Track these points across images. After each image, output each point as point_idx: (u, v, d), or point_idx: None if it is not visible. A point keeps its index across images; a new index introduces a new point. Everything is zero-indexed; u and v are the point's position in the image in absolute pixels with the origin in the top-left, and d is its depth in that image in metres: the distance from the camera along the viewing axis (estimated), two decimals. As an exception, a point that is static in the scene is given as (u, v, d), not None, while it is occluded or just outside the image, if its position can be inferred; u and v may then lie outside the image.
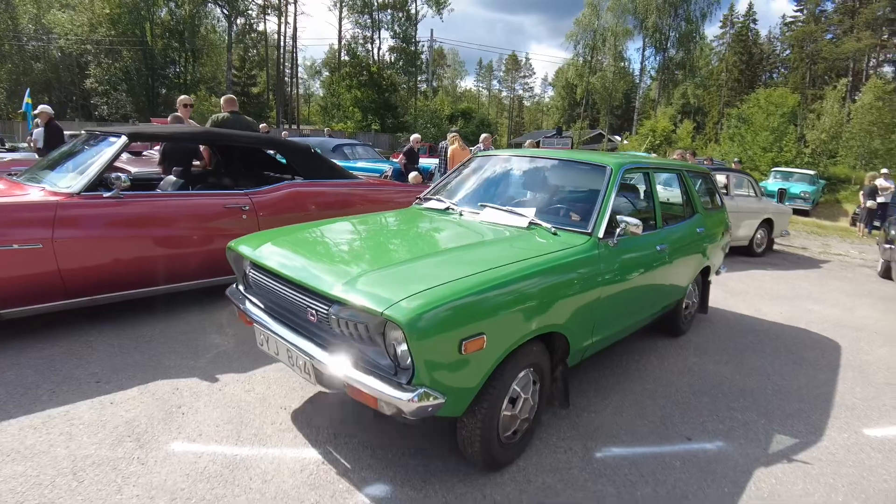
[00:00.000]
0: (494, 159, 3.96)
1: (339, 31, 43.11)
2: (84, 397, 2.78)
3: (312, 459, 2.41)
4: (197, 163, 5.75)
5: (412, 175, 8.99)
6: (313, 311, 2.22)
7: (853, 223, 16.99)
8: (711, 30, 47.23)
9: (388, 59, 41.91)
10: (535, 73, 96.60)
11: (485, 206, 3.27)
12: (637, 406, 3.20)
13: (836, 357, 4.39)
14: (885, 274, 8.21)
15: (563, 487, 2.35)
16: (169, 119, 5.96)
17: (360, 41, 42.48)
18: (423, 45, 42.85)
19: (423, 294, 1.94)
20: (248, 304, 2.68)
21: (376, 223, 3.26)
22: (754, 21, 50.34)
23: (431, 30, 55.12)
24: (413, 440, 2.61)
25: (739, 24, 49.90)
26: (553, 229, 2.93)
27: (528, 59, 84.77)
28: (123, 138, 3.73)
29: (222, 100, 6.30)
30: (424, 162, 13.39)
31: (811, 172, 19.88)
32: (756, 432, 3.00)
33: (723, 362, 4.03)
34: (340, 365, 2.05)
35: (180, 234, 3.87)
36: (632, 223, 2.88)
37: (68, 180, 3.58)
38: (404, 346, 1.89)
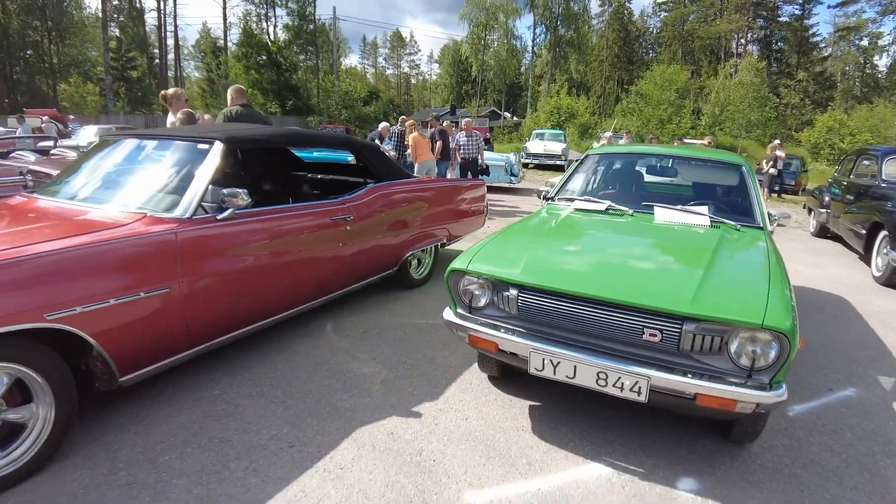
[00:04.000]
0: (619, 157, 3.96)
1: (224, 9, 40.12)
2: (299, 469, 2.31)
3: (609, 473, 2.39)
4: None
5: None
6: (654, 331, 2.17)
7: (755, 187, 18.96)
8: (591, 7, 49.63)
9: (287, 38, 39.44)
10: (420, 50, 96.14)
11: (652, 206, 3.27)
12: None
13: (852, 309, 5.01)
14: (819, 233, 9.61)
15: (799, 446, 2.67)
16: (180, 117, 5.20)
17: (254, 18, 39.70)
18: (322, 23, 40.96)
19: (775, 303, 2.10)
20: (492, 330, 2.45)
21: (577, 228, 3.21)
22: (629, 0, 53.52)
23: (334, 7, 52.61)
24: (650, 428, 2.75)
25: (616, 2, 52.74)
26: (738, 226, 3.10)
27: (412, 36, 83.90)
28: (219, 144, 3.11)
29: (231, 91, 5.61)
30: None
31: (705, 142, 21.68)
32: (864, 377, 3.50)
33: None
34: (683, 378, 2.10)
35: (299, 253, 3.41)
36: (783, 216, 3.25)
37: (160, 202, 2.91)
38: (759, 350, 2.07)
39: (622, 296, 2.19)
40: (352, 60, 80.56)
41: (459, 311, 2.63)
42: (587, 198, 3.52)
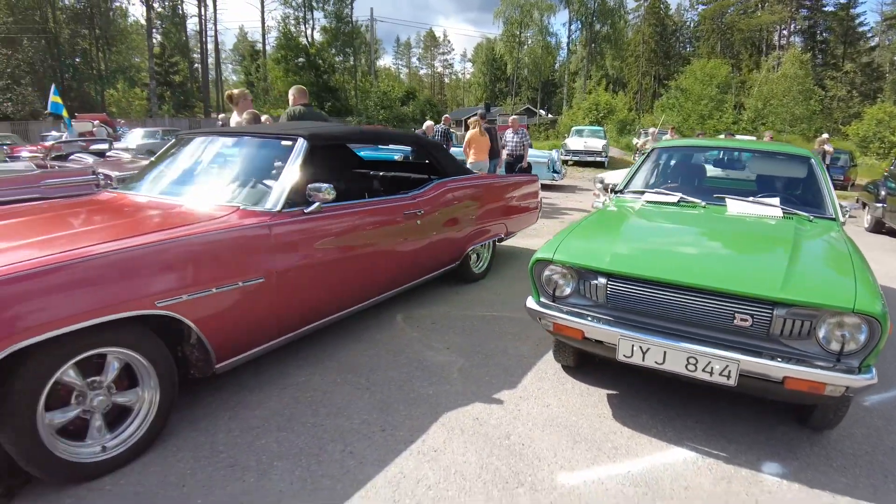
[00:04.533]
0: (686, 151, 4.01)
1: (262, 13, 41.00)
2: (394, 452, 2.41)
3: (694, 457, 2.46)
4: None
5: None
6: (745, 316, 2.23)
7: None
8: (627, 1, 49.00)
9: (324, 40, 40.05)
10: (453, 49, 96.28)
11: (724, 198, 3.30)
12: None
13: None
14: (874, 228, 9.51)
15: (878, 434, 2.70)
16: (246, 118, 5.40)
17: (292, 21, 40.42)
18: (360, 24, 41.54)
19: (863, 289, 2.15)
20: (578, 318, 2.52)
21: (654, 219, 3.26)
22: (665, -6, 52.58)
23: (371, 8, 53.14)
24: (726, 416, 2.82)
25: (652, -3, 51.91)
26: (810, 217, 3.13)
27: (446, 35, 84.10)
28: (303, 141, 3.23)
29: (293, 91, 5.77)
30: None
31: (753, 139, 21.31)
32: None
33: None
34: (773, 362, 2.17)
35: (376, 246, 3.55)
36: (854, 206, 3.35)
37: (250, 196, 3.04)
38: (848, 334, 2.12)
39: (715, 282, 2.25)
40: (385, 61, 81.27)
41: (542, 300, 2.70)
42: (658, 190, 3.56)
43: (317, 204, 3.05)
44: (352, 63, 41.69)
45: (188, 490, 2.14)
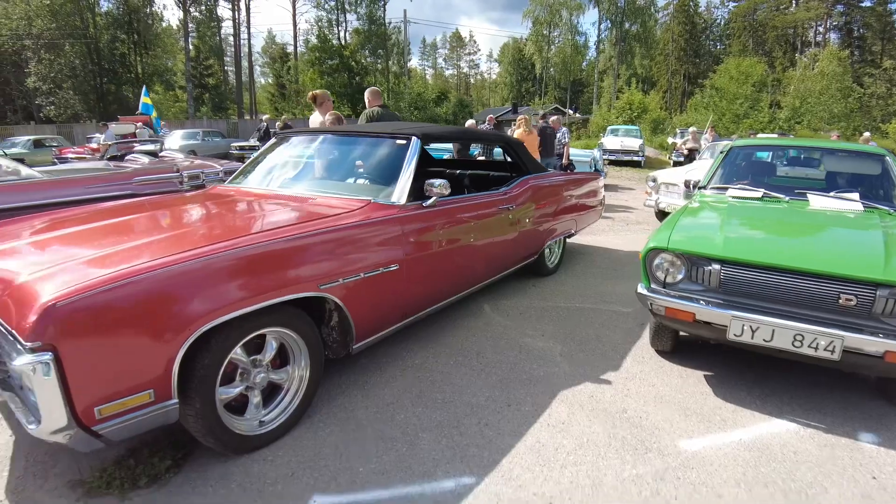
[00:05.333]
0: (762, 149, 4.25)
1: (294, 16, 41.79)
2: (525, 424, 2.67)
3: (796, 427, 2.71)
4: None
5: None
6: (850, 297, 2.48)
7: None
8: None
9: (355, 42, 40.68)
10: (479, 50, 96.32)
11: (805, 193, 3.53)
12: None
13: None
14: None
15: None
16: (329, 119, 5.73)
17: (325, 24, 41.14)
18: (392, 26, 42.11)
19: None
20: (690, 302, 2.79)
21: (746, 212, 3.47)
22: (694, -9, 52.17)
23: (405, 10, 53.56)
24: (816, 392, 3.07)
25: (682, -5, 51.51)
26: (890, 210, 3.41)
27: (472, 36, 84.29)
28: (416, 140, 3.49)
29: (369, 93, 6.07)
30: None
31: (792, 136, 21.15)
32: None
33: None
34: (876, 338, 2.40)
35: (478, 238, 3.83)
36: None
37: (377, 191, 3.29)
38: None
39: (826, 267, 2.52)
40: (411, 62, 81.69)
41: (653, 286, 2.97)
42: (742, 186, 3.80)
43: (434, 198, 3.32)
44: (384, 65, 42.20)
45: (346, 460, 2.35)
